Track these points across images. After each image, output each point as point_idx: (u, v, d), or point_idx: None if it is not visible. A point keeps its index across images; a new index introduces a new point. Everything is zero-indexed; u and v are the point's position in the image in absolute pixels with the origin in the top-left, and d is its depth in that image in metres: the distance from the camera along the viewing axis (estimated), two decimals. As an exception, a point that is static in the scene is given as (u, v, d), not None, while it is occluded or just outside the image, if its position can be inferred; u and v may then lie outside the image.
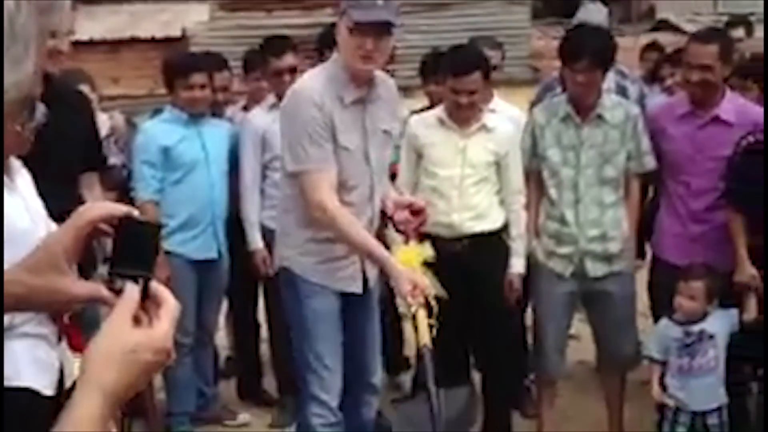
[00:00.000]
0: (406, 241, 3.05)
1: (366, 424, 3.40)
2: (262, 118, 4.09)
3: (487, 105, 4.06)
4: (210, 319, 4.20)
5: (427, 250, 3.02)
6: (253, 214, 4.06)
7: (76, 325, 2.56)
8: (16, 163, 1.93)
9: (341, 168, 3.01)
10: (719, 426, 3.52)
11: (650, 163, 3.75)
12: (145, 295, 1.03)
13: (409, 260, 2.96)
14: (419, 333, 2.88)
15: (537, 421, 4.01)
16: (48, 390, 2.38)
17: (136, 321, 1.00)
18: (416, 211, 3.08)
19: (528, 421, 4.15)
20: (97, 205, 1.19)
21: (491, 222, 3.77)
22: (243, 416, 4.35)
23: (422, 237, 3.11)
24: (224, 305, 4.54)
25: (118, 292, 1.05)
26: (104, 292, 1.09)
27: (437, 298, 2.90)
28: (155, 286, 1.05)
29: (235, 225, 4.07)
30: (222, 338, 4.98)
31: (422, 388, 2.93)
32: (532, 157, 3.77)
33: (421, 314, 2.88)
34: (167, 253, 3.82)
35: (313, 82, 3.00)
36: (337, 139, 2.99)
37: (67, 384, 2.41)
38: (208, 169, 3.95)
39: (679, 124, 3.74)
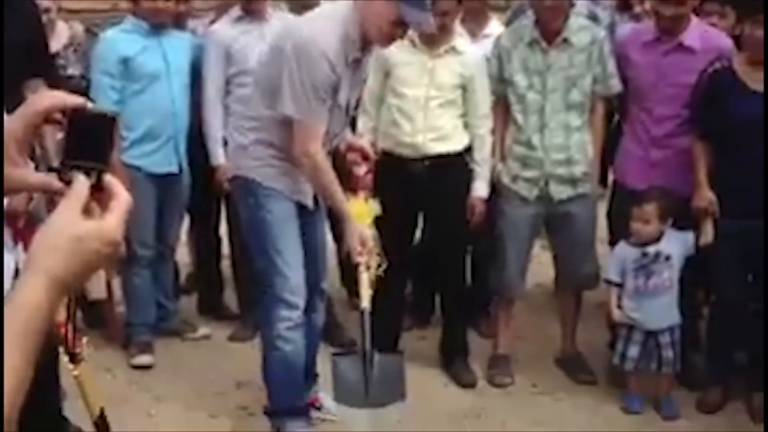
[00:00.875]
0: (355, 192, 3.17)
1: (317, 328, 3.46)
2: (227, 31, 4.01)
3: (482, 30, 4.08)
4: (170, 234, 4.18)
5: (376, 208, 3.21)
6: (215, 129, 4.00)
7: (31, 228, 2.55)
8: None
9: (329, 121, 3.06)
10: (671, 345, 3.63)
11: (616, 86, 3.76)
12: (99, 188, 1.01)
13: (361, 215, 3.14)
14: (360, 294, 3.09)
15: (493, 340, 4.10)
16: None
17: (88, 213, 0.99)
18: (365, 157, 3.23)
19: (484, 341, 4.24)
20: (49, 94, 1.14)
21: (455, 144, 3.77)
22: (203, 330, 4.38)
23: (373, 191, 3.26)
24: (186, 221, 4.54)
25: (70, 184, 1.02)
26: (56, 183, 1.05)
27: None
28: (109, 179, 1.02)
29: (197, 139, 4.02)
30: (184, 255, 4.98)
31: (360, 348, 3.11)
32: (498, 82, 3.76)
33: (364, 277, 3.10)
34: (127, 166, 3.79)
35: (328, 38, 2.93)
36: (337, 96, 3.02)
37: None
38: (169, 82, 3.87)
39: (644, 51, 3.75)
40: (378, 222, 3.22)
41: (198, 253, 4.75)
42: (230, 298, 4.62)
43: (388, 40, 3.04)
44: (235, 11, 4.04)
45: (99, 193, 0.99)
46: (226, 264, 4.63)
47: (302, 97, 2.94)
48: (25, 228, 2.50)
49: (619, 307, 3.69)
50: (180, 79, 3.93)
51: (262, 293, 3.26)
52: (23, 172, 1.10)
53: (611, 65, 3.71)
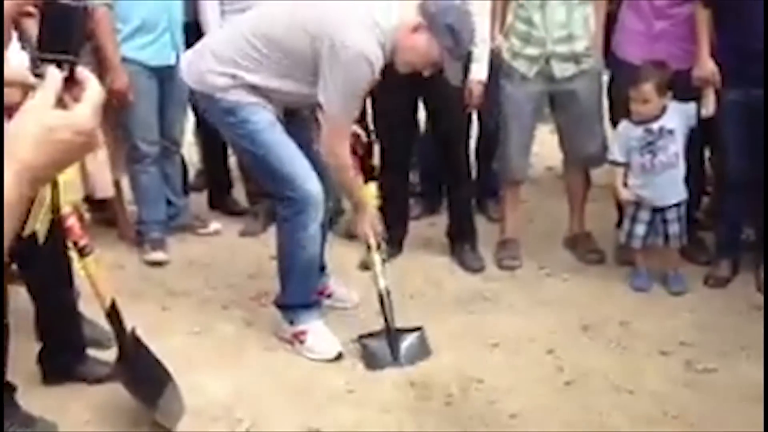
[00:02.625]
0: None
1: (324, 222, 3.48)
2: None
3: None
4: (174, 129, 4.17)
5: (374, 190, 3.42)
6: (212, 19, 3.93)
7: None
8: None
9: None
10: (677, 220, 3.62)
11: None
12: (72, 80, 1.01)
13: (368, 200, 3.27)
14: (376, 276, 3.23)
15: (500, 224, 4.11)
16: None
17: (62, 105, 0.98)
18: (360, 143, 3.37)
19: (492, 225, 4.25)
20: None
21: None
22: (214, 225, 4.42)
23: (371, 175, 3.41)
24: (192, 120, 4.51)
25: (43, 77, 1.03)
26: (30, 77, 1.06)
27: None
28: (81, 71, 1.02)
29: (195, 31, 3.94)
30: (193, 154, 4.99)
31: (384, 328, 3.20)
32: None
33: (376, 257, 3.25)
34: (124, 60, 3.75)
35: (374, 48, 2.89)
36: None
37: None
38: (160, -30, 3.79)
39: None
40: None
41: (205, 150, 4.74)
42: (239, 193, 4.64)
43: (412, 69, 3.04)
44: None
45: (72, 85, 0.99)
46: (233, 159, 4.63)
47: (349, 96, 2.93)
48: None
49: (626, 185, 3.67)
50: (172, -33, 3.84)
51: (279, 200, 3.21)
52: None
53: None
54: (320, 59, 2.90)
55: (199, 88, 3.13)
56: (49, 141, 0.93)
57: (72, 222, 2.70)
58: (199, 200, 4.70)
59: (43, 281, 2.84)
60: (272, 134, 3.08)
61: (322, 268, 3.55)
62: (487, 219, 4.36)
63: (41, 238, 2.51)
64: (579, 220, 4.06)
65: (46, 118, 0.94)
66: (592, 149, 3.87)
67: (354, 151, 3.25)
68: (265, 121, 3.08)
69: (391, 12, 2.96)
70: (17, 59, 1.85)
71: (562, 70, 3.70)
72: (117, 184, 4.16)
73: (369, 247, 3.28)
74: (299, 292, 3.28)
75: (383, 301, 3.19)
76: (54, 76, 0.97)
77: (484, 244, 4.05)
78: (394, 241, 3.89)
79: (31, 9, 1.17)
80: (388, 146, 3.93)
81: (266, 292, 3.60)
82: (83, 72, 1.01)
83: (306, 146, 3.19)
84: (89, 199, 4.05)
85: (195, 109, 4.28)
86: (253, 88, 3.03)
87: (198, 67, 3.10)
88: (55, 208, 2.60)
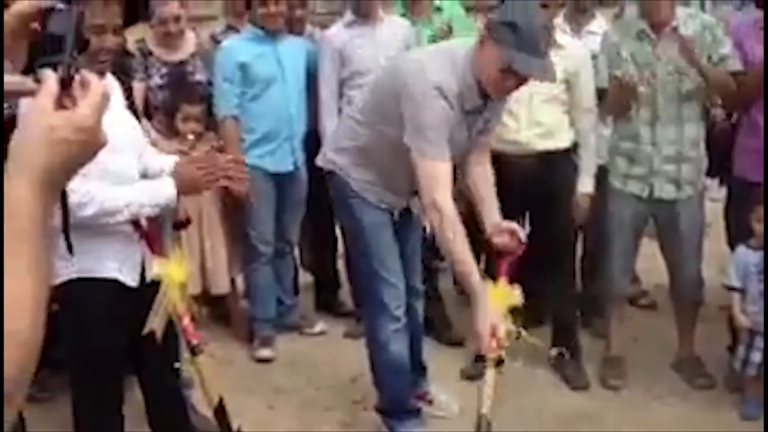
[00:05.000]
0: (496, 278, 2.83)
1: (418, 326, 3.53)
2: (340, 35, 4.14)
3: (587, 26, 4.08)
4: (290, 230, 4.35)
5: (516, 297, 2.75)
6: (330, 129, 4.11)
7: (154, 229, 2.72)
8: None
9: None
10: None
11: (734, 65, 3.60)
12: (69, 82, 1.00)
13: (497, 300, 2.72)
14: (482, 396, 2.66)
15: (606, 341, 4.04)
16: (131, 282, 2.57)
17: (61, 106, 0.98)
18: (516, 242, 2.92)
19: (597, 341, 4.18)
20: (23, 2, 1.15)
21: (560, 140, 3.75)
22: (320, 325, 4.53)
23: (516, 278, 2.85)
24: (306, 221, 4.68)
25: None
26: (30, 83, 1.06)
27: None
28: (82, 73, 1.03)
29: (314, 140, 4.16)
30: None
31: None
32: (609, 77, 3.70)
33: (489, 374, 2.66)
34: (247, 166, 3.97)
35: (446, 78, 2.82)
36: (455, 138, 2.92)
37: (147, 279, 2.60)
38: (284, 85, 4.03)
39: (760, 38, 3.61)
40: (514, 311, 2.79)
41: (315, 251, 4.90)
42: (346, 295, 4.75)
43: (500, 88, 2.84)
44: (348, 15, 4.17)
45: (70, 87, 1.00)
46: (341, 262, 4.75)
47: (422, 133, 2.84)
48: (148, 229, 2.66)
49: (743, 311, 3.57)
50: (295, 83, 4.09)
51: (365, 297, 3.34)
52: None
53: (727, 47, 3.58)
54: (401, 104, 2.89)
55: (321, 164, 3.32)
56: (53, 141, 0.94)
57: (187, 322, 2.83)
58: (307, 299, 4.83)
59: (156, 376, 2.95)
60: (379, 235, 3.19)
61: (423, 370, 3.58)
62: (592, 335, 4.30)
63: (159, 336, 2.64)
64: (688, 343, 3.96)
65: (47, 119, 0.95)
66: (690, 282, 3.81)
67: (506, 251, 2.93)
68: (375, 219, 3.19)
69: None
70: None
71: (666, 191, 3.69)
72: (232, 282, 4.35)
73: (480, 358, 2.95)
74: (394, 395, 3.32)
75: (480, 427, 2.69)
76: (50, 77, 0.98)
77: (588, 360, 3.99)
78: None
79: (36, 26, 1.21)
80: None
81: (368, 395, 3.64)
82: (85, 74, 1.02)
83: (408, 252, 3.26)
84: (205, 294, 4.24)
85: (307, 210, 4.48)
86: (365, 164, 3.13)
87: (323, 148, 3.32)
88: (173, 307, 2.74)
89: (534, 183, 3.70)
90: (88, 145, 0.97)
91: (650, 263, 4.38)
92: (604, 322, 4.14)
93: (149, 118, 3.96)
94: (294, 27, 4.29)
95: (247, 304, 4.42)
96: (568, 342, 3.95)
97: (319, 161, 3.34)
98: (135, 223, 2.56)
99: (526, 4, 2.81)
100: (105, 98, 1.00)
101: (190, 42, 4.27)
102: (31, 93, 1.03)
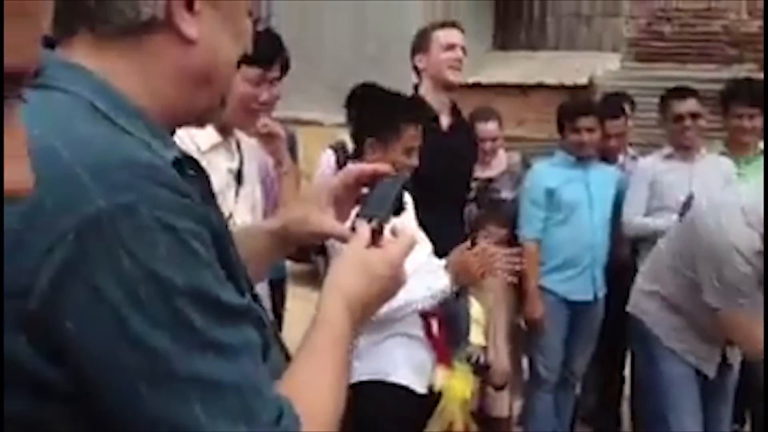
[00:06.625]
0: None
1: None
2: (655, 165, 4.05)
3: None
4: (577, 361, 4.18)
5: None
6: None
7: (443, 337, 2.74)
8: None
9: None
10: None
11: None
12: (380, 234, 1.15)
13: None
14: None
15: None
16: (421, 388, 2.59)
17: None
18: None
19: None
20: (360, 166, 1.33)
21: None
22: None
23: None
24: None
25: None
26: (345, 231, 1.23)
27: None
28: (395, 226, 1.19)
29: (615, 270, 4.03)
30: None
31: None
32: None
33: None
34: (542, 289, 3.92)
35: (739, 230, 2.73)
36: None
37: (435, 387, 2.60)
38: (590, 212, 3.97)
39: None
40: None
41: (600, 389, 4.65)
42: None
43: None
44: (667, 148, 4.07)
45: (379, 239, 1.14)
46: (625, 404, 4.47)
47: (724, 294, 2.78)
48: (438, 337, 2.68)
49: None
50: (602, 211, 4.01)
51: None
52: (322, 217, 1.29)
53: None
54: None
55: (630, 309, 3.21)
56: (366, 273, 1.09)
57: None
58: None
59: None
60: (681, 395, 2.97)
61: None
62: None
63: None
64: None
65: (362, 255, 1.11)
66: None
67: None
68: (678, 375, 3.00)
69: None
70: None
71: None
72: (510, 406, 4.24)
73: None
74: None
75: None
76: (363, 227, 1.14)
77: None
78: None
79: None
80: None
81: None
82: (395, 226, 1.18)
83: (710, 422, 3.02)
84: (482, 414, 4.17)
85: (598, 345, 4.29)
86: (675, 309, 2.98)
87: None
88: (451, 421, 2.72)
89: None
90: (395, 281, 1.12)
91: None
92: None
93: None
94: (607, 155, 4.25)
95: (520, 430, 4.27)
96: None
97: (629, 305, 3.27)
98: (428, 332, 2.60)
99: None
100: (413, 242, 1.14)
101: (502, 160, 4.39)
102: (342, 239, 1.22)
